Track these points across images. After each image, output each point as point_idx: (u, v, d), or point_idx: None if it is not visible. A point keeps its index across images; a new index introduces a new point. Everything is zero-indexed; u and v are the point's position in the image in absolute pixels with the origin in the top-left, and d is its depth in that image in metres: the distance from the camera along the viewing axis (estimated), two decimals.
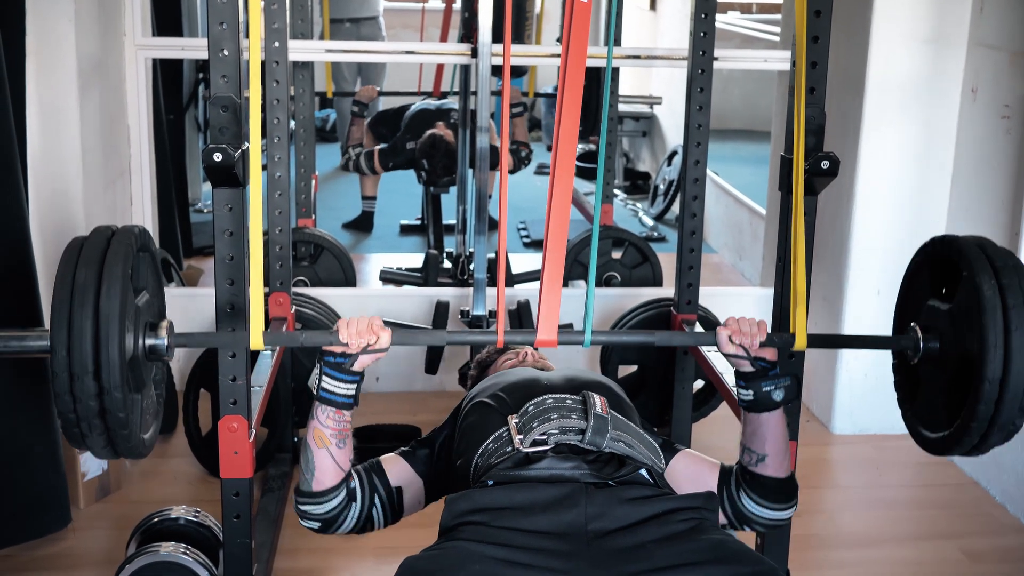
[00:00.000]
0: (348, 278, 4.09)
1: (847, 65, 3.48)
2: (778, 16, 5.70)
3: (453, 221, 4.94)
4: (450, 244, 5.07)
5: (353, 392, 1.93)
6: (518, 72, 6.48)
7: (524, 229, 5.92)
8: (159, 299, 1.98)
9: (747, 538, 2.57)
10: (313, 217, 4.28)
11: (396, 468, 2.08)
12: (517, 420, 1.94)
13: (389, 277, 4.61)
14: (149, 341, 1.87)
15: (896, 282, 2.18)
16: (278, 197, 3.08)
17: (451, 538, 1.72)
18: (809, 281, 2.16)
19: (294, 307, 3.11)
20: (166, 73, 4.71)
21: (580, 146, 7.22)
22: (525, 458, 1.87)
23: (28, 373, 2.71)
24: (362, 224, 5.89)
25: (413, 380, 3.88)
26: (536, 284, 4.53)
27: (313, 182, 4.26)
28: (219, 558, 2.44)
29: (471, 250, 4.25)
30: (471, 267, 4.13)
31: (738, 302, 4.01)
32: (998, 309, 1.84)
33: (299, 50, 3.70)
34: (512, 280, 4.47)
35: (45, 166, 3.06)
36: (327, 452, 1.94)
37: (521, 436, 1.90)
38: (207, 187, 5.68)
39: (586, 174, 6.99)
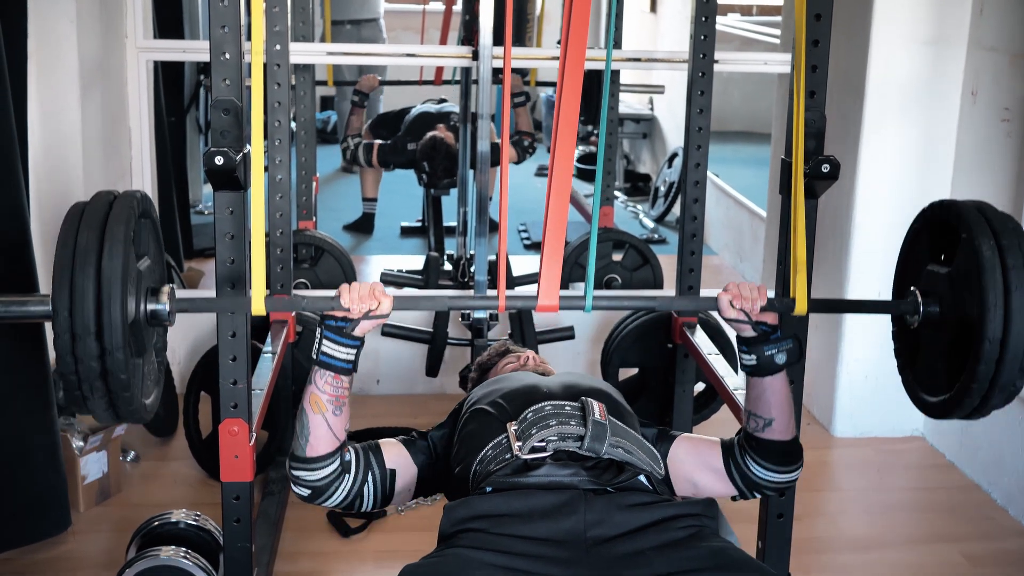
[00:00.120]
0: (349, 280, 4.08)
1: (847, 67, 3.48)
2: (778, 18, 5.70)
3: (454, 223, 4.94)
4: (451, 246, 5.07)
5: (352, 357, 1.92)
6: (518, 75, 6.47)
7: (525, 231, 5.91)
8: (160, 266, 1.98)
9: (748, 543, 2.57)
10: (314, 219, 4.28)
11: (393, 452, 2.07)
12: (516, 427, 1.94)
13: (390, 279, 4.61)
14: (150, 306, 1.87)
15: None
16: (279, 199, 3.09)
17: (450, 545, 1.72)
18: (810, 269, 2.16)
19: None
20: (167, 75, 4.71)
21: (580, 148, 7.22)
22: (524, 465, 1.87)
23: (29, 376, 2.71)
24: (363, 226, 5.89)
25: (414, 383, 3.88)
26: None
27: (314, 184, 4.26)
28: (219, 562, 2.44)
29: (472, 252, 4.24)
30: (472, 269, 4.13)
31: None
32: (997, 269, 1.84)
33: (300, 53, 3.70)
34: (513, 283, 4.47)
35: (47, 167, 3.06)
36: (323, 418, 1.93)
37: (520, 443, 1.90)
38: (208, 189, 5.68)
39: (587, 176, 6.99)
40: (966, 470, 3.41)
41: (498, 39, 3.31)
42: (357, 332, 1.92)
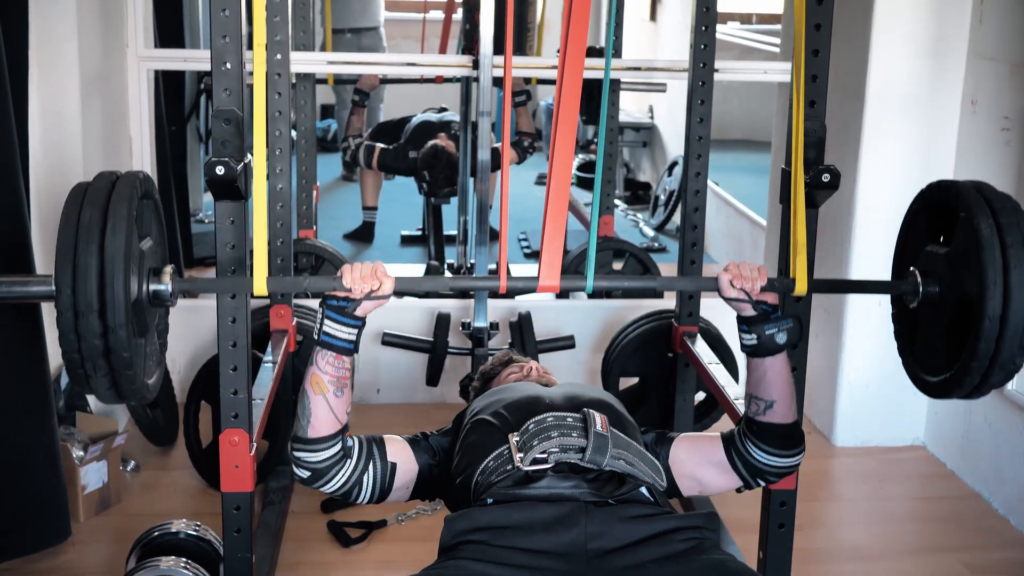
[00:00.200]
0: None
1: (847, 76, 3.49)
2: (778, 27, 5.71)
3: (454, 232, 4.94)
4: (451, 255, 5.07)
5: (354, 337, 1.93)
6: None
7: (525, 240, 5.92)
8: (162, 247, 2.00)
9: (750, 554, 2.57)
10: (314, 228, 4.28)
11: (397, 447, 2.08)
12: (518, 438, 1.94)
13: None
14: (153, 286, 1.89)
15: None
16: (279, 208, 3.09)
17: (451, 557, 1.72)
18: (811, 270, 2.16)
19: (295, 319, 3.11)
20: (168, 84, 4.72)
21: (580, 156, 7.23)
22: (525, 476, 1.87)
23: (29, 385, 2.70)
24: (363, 235, 5.89)
25: (414, 392, 3.87)
26: (538, 296, 4.57)
27: (314, 193, 4.26)
28: (220, 572, 2.43)
29: (472, 261, 4.25)
30: None
31: None
32: (996, 248, 1.85)
33: (301, 62, 3.71)
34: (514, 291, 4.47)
35: (47, 175, 3.06)
36: (324, 399, 1.94)
37: (521, 454, 1.90)
38: (208, 197, 5.68)
39: (587, 184, 6.99)
40: (967, 479, 3.40)
41: (498, 48, 3.32)
42: (359, 312, 1.93)
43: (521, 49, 4.96)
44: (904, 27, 3.39)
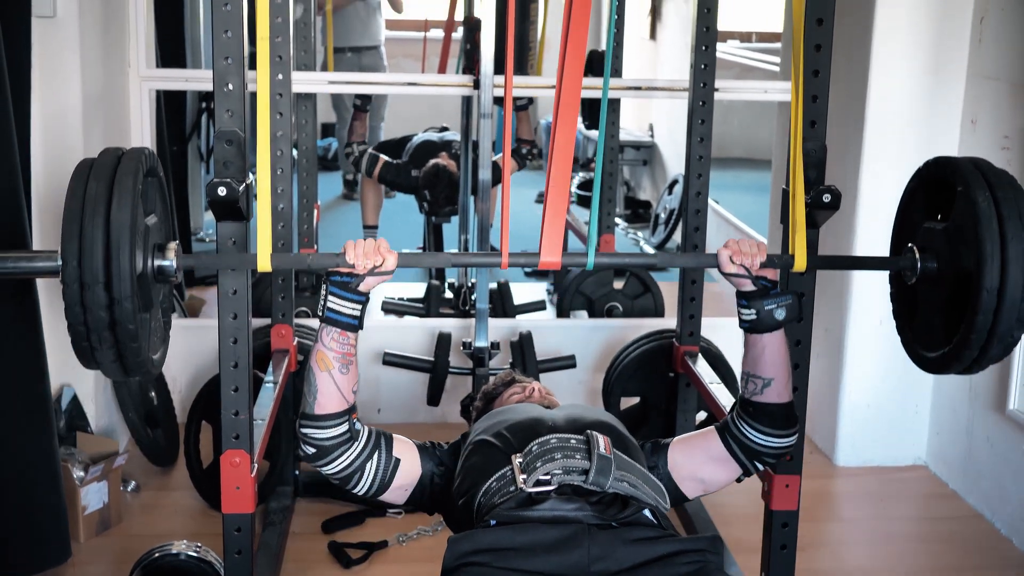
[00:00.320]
0: None
1: (847, 96, 3.49)
2: (778, 45, 5.73)
3: (455, 251, 4.94)
4: (451, 274, 5.07)
5: (358, 313, 1.94)
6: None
7: None
8: (166, 225, 2.00)
9: (753, 575, 2.56)
10: (315, 247, 4.28)
11: (404, 447, 2.09)
12: (521, 460, 1.93)
13: (391, 307, 4.61)
14: (157, 262, 1.90)
15: None
16: (281, 228, 3.09)
17: None
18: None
19: (296, 338, 3.11)
20: (169, 103, 4.73)
21: (581, 174, 7.24)
22: (528, 498, 1.86)
23: (30, 405, 2.70)
24: None
25: (415, 412, 3.87)
26: (539, 315, 4.57)
27: (315, 212, 4.26)
28: None
29: (473, 280, 4.25)
30: (473, 298, 4.13)
31: (741, 332, 4.00)
32: (993, 220, 1.86)
33: (302, 82, 3.72)
34: (514, 311, 4.46)
35: (49, 196, 3.06)
36: (329, 376, 1.94)
37: (525, 476, 1.89)
38: (209, 216, 5.69)
39: (586, 202, 7.00)
40: (969, 499, 3.39)
41: (499, 68, 3.33)
42: (362, 288, 1.94)
43: (522, 68, 4.97)
44: (904, 46, 3.40)
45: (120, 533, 3.05)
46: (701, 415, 3.34)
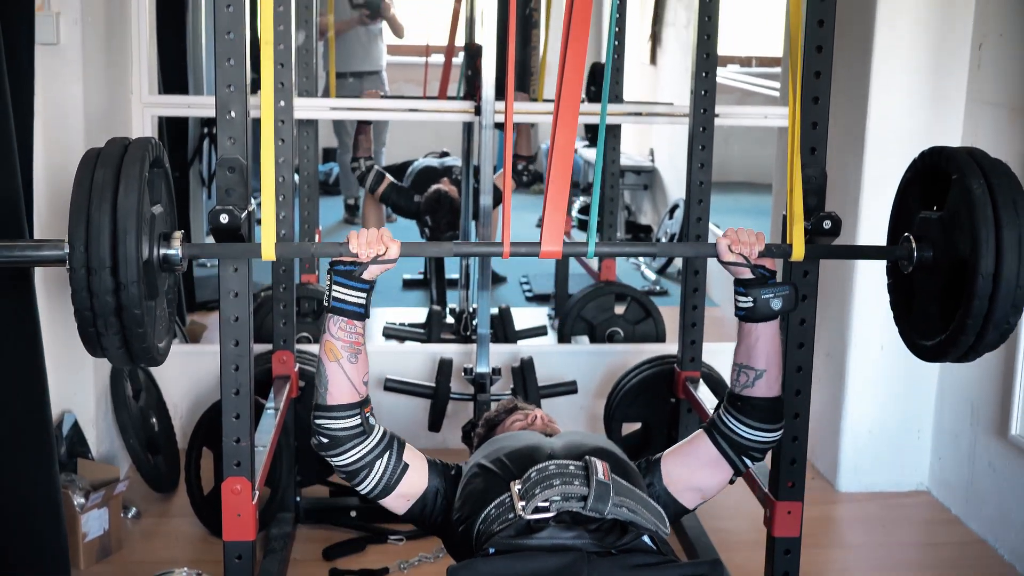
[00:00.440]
0: None
1: (847, 122, 3.51)
2: (778, 69, 5.75)
3: (456, 276, 4.94)
4: (452, 299, 5.07)
5: (364, 300, 1.95)
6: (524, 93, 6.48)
7: (527, 283, 5.92)
8: (172, 215, 2.02)
9: None
10: (316, 273, 4.29)
11: (415, 456, 2.10)
12: (519, 486, 1.93)
13: (392, 333, 4.60)
14: (163, 251, 1.91)
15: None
16: None
17: None
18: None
19: (298, 365, 3.10)
20: (171, 129, 4.75)
21: (582, 198, 7.25)
22: (527, 526, 1.86)
23: (30, 431, 2.69)
24: None
25: (416, 438, 3.81)
26: (540, 340, 4.57)
27: (317, 236, 4.27)
28: None
29: (474, 306, 4.25)
30: (474, 323, 4.13)
31: None
32: (988, 207, 1.88)
33: (304, 108, 3.73)
34: (515, 336, 4.46)
35: (52, 222, 3.07)
36: (339, 366, 1.96)
37: (523, 503, 1.89)
38: (210, 241, 5.69)
39: (587, 227, 7.00)
40: (972, 525, 3.38)
41: (500, 93, 3.34)
42: (366, 276, 1.95)
43: (523, 92, 4.99)
44: (903, 72, 3.42)
45: (120, 560, 3.04)
46: None
